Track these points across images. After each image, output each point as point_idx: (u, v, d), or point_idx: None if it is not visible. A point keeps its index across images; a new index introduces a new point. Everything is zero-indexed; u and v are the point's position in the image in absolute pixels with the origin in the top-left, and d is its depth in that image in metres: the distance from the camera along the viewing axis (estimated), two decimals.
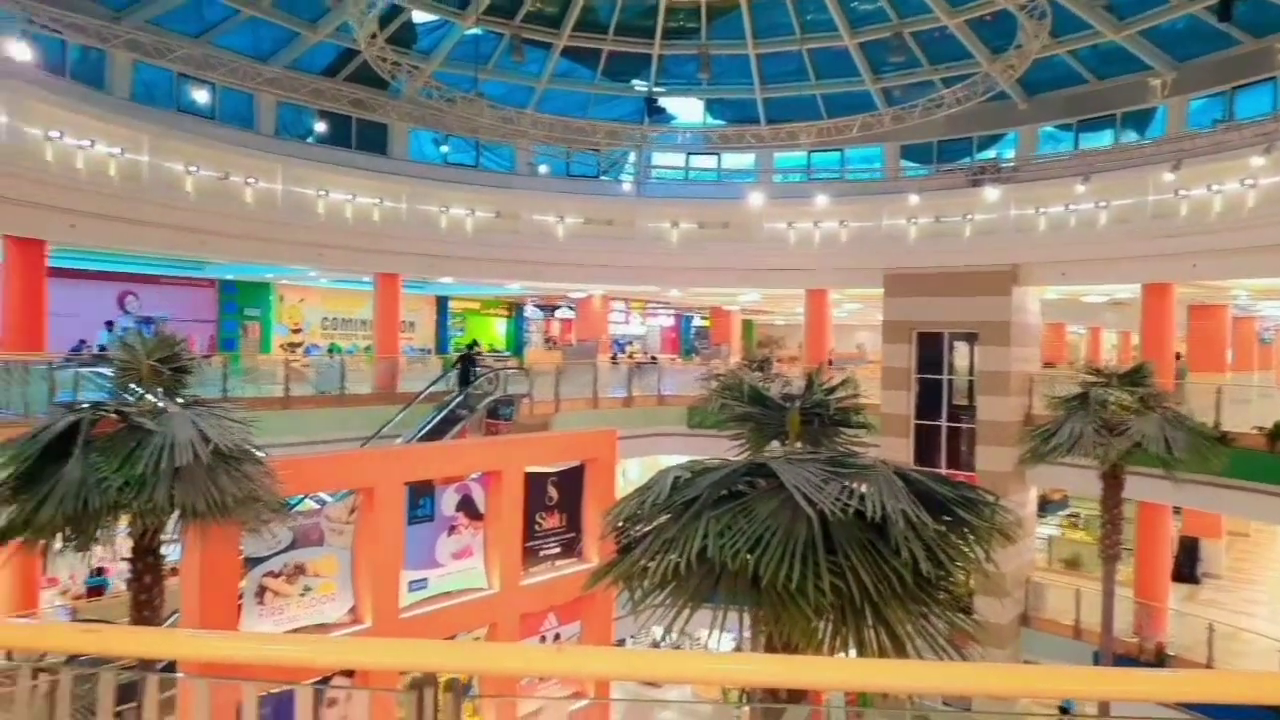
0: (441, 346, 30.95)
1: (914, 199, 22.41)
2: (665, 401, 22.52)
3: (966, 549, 4.99)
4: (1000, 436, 19.30)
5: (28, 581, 13.65)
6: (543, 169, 26.94)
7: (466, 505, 12.30)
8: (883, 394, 20.98)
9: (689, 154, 27.83)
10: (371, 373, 20.87)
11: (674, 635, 4.55)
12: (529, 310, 36.31)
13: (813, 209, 23.63)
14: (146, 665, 6.20)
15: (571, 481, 13.57)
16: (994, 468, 19.05)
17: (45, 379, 13.73)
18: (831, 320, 25.51)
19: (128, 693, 2.44)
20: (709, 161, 27.87)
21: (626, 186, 27.38)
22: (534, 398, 19.67)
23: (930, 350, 21.00)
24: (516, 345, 34.68)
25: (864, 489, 4.92)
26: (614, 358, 27.33)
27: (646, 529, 4.98)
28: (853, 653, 4.66)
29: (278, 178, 20.13)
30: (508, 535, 12.30)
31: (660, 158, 27.96)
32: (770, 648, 4.76)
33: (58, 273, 18.04)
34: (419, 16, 22.69)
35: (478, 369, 19.58)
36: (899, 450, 19.84)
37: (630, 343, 34.85)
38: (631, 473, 22.27)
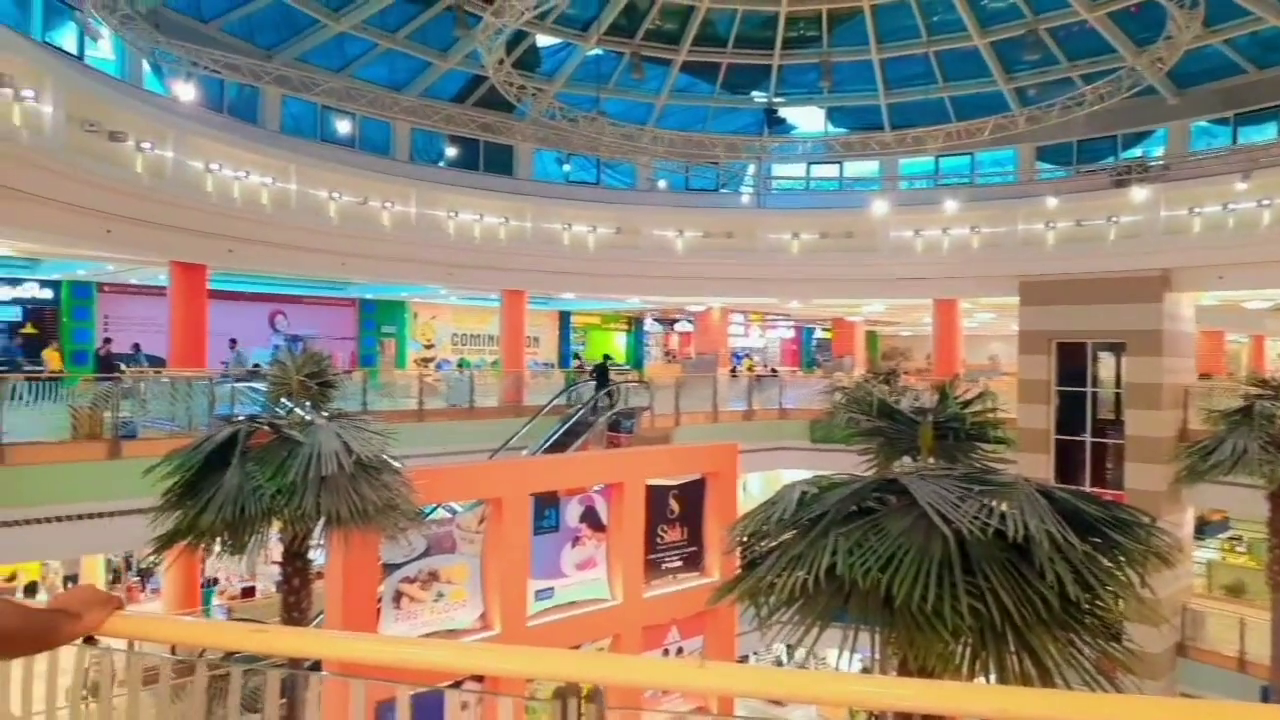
0: (564, 361, 31.59)
1: (1052, 202, 21.29)
2: (787, 415, 22.19)
3: (1118, 572, 4.67)
4: (1152, 453, 18.01)
5: (190, 581, 14.75)
6: (662, 184, 27.17)
7: (590, 516, 12.44)
8: (1019, 408, 19.96)
9: (810, 163, 27.45)
10: (498, 386, 21.51)
11: (801, 654, 4.45)
12: (648, 324, 36.58)
13: (941, 215, 22.83)
14: (295, 664, 6.57)
15: (693, 495, 13.53)
16: (1145, 486, 17.79)
17: (206, 394, 14.82)
18: (962, 330, 24.53)
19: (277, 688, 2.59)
20: (831, 170, 27.40)
21: (746, 199, 27.24)
22: (654, 411, 19.79)
23: (1071, 361, 19.85)
24: (636, 359, 34.97)
25: (1004, 507, 4.69)
26: (733, 371, 27.17)
27: (772, 545, 4.91)
28: (993, 678, 4.44)
29: (412, 201, 21.12)
30: (630, 547, 12.37)
31: (780, 168, 27.69)
32: (904, 670, 4.59)
33: (216, 294, 19.50)
34: (543, 40, 23.39)
35: (612, 380, 20.16)
36: (1038, 467, 18.82)
37: (747, 355, 34.57)
38: (752, 487, 22.04)
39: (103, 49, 16.91)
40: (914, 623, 4.43)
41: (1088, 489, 17.90)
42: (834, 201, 25.91)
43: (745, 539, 5.05)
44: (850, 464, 5.93)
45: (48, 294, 21.64)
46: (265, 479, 8.09)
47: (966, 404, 5.44)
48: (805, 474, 6.10)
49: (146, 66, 18.26)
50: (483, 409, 19.86)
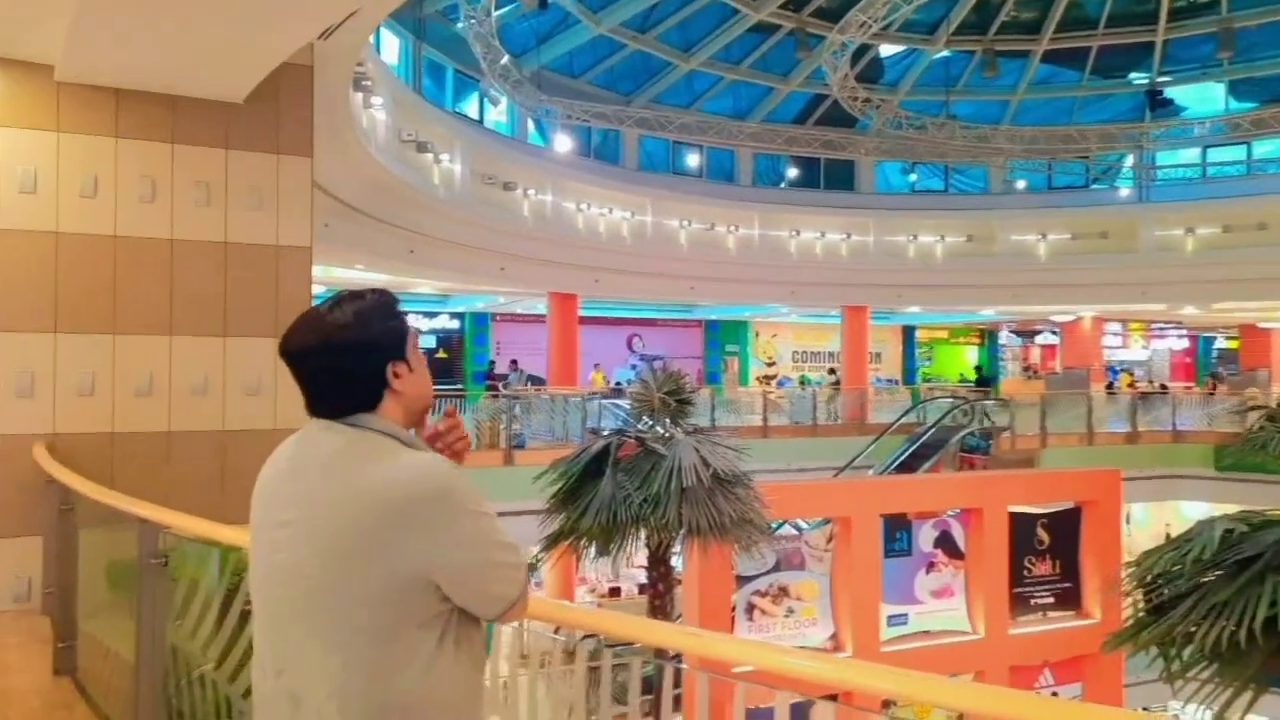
0: (908, 377, 30.41)
1: None
2: (1182, 438, 19.16)
3: None
4: None
5: (567, 578, 16.43)
6: (1020, 185, 25.12)
7: (945, 542, 11.86)
8: None
9: (1205, 147, 23.65)
10: (841, 404, 21.27)
11: None
12: (1003, 337, 33.90)
13: None
14: (660, 655, 7.02)
15: (1065, 525, 12.35)
16: None
17: (579, 409, 16.49)
18: None
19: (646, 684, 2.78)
20: (1233, 154, 23.37)
21: (1124, 193, 24.20)
22: (1015, 431, 18.23)
23: None
24: (990, 375, 32.58)
25: None
26: (1109, 387, 24.13)
27: (1186, 588, 4.25)
28: None
29: (755, 224, 21.75)
30: (992, 578, 11.54)
31: (1166, 156, 24.21)
32: None
33: (584, 320, 21.65)
34: (885, 50, 22.87)
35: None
36: None
37: (1126, 370, 30.45)
38: (1136, 518, 19.47)
39: (496, 111, 19.72)
40: None
41: None
42: (1239, 189, 22.06)
43: (1149, 579, 4.43)
44: (1272, 497, 4.98)
45: (455, 324, 25.60)
46: (633, 488, 8.76)
47: None
48: (1206, 507, 5.19)
49: (530, 123, 20.93)
50: (825, 426, 19.79)
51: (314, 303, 6.58)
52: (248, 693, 2.57)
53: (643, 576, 12.88)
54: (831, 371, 26.33)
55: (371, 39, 11.11)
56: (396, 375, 1.52)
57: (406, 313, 1.60)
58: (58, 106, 5.66)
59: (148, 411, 5.71)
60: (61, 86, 5.67)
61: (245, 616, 2.79)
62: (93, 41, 5.15)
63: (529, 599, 1.54)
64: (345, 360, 1.50)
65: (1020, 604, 11.89)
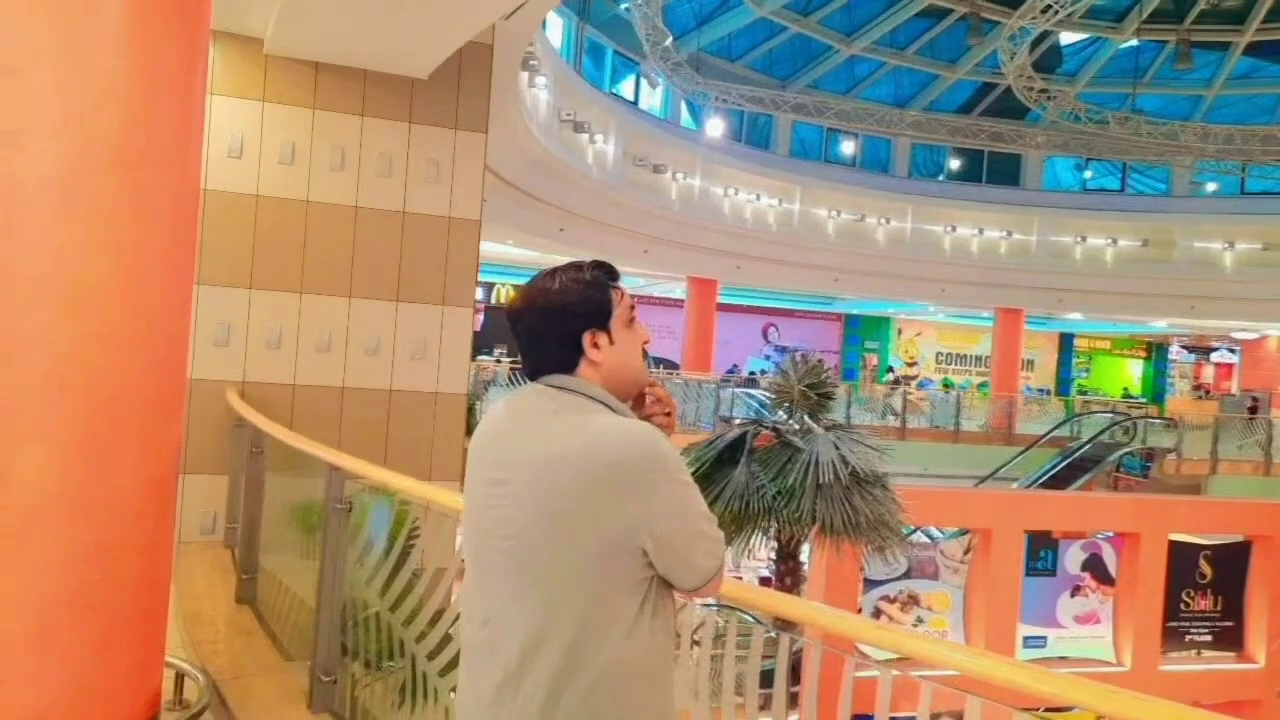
0: (1062, 388, 28.78)
1: None
2: None
3: None
4: None
5: None
6: (1209, 188, 23.14)
7: (1094, 565, 11.27)
8: None
9: None
10: (985, 411, 20.39)
11: None
12: (1173, 351, 31.47)
13: None
14: (785, 625, 6.96)
15: (1231, 559, 11.53)
16: None
17: (712, 396, 16.51)
18: None
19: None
20: None
21: None
22: (1182, 454, 16.95)
23: None
24: (1155, 391, 30.35)
25: None
26: None
27: None
28: None
29: (908, 217, 21.03)
30: (1144, 609, 10.87)
31: None
32: None
33: (720, 306, 21.58)
34: (1065, 38, 21.49)
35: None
36: None
37: None
38: None
39: (649, 93, 19.82)
40: None
41: None
42: None
43: None
44: None
45: None
46: (768, 479, 8.69)
47: None
48: None
49: (684, 107, 20.94)
50: (968, 433, 19.02)
51: (480, 274, 6.90)
52: (421, 637, 2.74)
53: (763, 569, 12.83)
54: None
55: None
56: (595, 345, 1.53)
57: (620, 289, 1.60)
58: (264, 78, 6.13)
59: (326, 367, 6.15)
60: (269, 59, 6.14)
61: (415, 567, 2.97)
62: (301, 18, 5.53)
63: (723, 577, 1.55)
64: (540, 321, 1.54)
65: (1173, 639, 11.19)
